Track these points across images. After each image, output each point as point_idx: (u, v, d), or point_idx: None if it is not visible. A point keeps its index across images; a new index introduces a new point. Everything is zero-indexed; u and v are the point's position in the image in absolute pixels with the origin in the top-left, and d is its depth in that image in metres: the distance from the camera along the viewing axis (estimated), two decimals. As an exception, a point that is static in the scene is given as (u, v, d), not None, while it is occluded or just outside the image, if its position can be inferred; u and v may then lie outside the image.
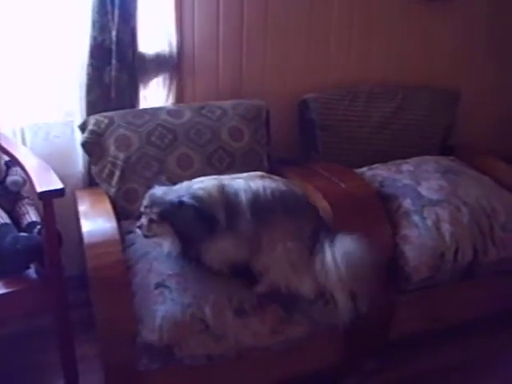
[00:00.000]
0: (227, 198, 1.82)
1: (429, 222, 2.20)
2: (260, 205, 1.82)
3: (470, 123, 2.96)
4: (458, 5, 2.84)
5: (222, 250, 1.83)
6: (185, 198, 1.78)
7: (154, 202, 1.81)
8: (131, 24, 2.25)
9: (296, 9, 2.60)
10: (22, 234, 1.95)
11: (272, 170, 2.37)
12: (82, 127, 2.27)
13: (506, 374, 2.28)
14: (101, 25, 2.20)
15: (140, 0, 2.26)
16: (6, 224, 1.98)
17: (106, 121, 2.24)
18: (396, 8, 2.76)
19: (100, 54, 2.25)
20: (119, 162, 2.20)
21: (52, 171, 1.95)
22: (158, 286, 1.83)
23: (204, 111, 2.36)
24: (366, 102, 2.69)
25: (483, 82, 3.02)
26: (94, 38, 2.22)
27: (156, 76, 2.43)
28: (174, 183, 2.11)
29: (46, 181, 1.87)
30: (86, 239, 1.86)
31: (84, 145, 2.25)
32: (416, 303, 2.24)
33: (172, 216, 1.79)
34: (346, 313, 1.80)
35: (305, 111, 2.67)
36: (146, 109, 2.39)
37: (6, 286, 1.83)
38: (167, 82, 2.45)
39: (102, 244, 1.86)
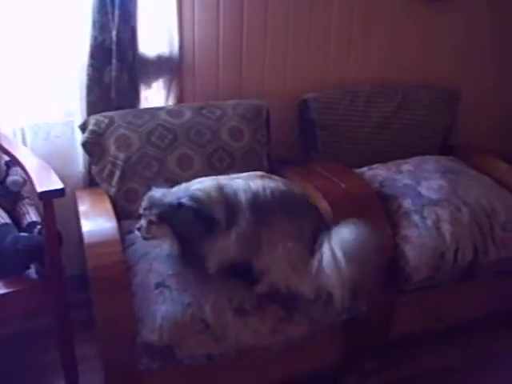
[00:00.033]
0: (226, 199, 1.82)
1: (429, 222, 2.20)
2: (260, 205, 1.81)
3: (470, 123, 2.96)
4: (458, 5, 2.84)
5: (221, 250, 1.83)
6: (183, 200, 1.78)
7: (152, 204, 1.81)
8: (131, 24, 2.26)
9: (296, 9, 2.60)
10: (23, 234, 1.95)
11: (272, 170, 2.37)
12: (83, 127, 2.27)
13: (506, 374, 2.28)
14: (101, 25, 2.21)
15: (140, 0, 2.26)
16: (6, 224, 1.98)
17: (107, 121, 2.24)
18: (396, 8, 2.77)
19: (100, 54, 2.25)
20: (119, 162, 2.20)
21: (52, 171, 1.95)
22: (158, 285, 1.83)
23: (204, 111, 2.36)
24: (366, 101, 2.69)
25: (483, 81, 3.02)
26: (95, 38, 2.22)
27: (156, 78, 2.43)
28: (175, 183, 2.12)
29: (46, 181, 1.87)
30: (87, 239, 1.86)
31: (84, 145, 2.25)
32: (416, 303, 2.24)
33: (171, 217, 1.79)
34: (344, 313, 1.80)
35: (305, 111, 2.67)
36: (146, 109, 2.39)
37: (7, 286, 1.83)
38: (167, 83, 2.45)
39: (102, 244, 1.86)
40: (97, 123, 2.24)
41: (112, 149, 2.21)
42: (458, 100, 2.89)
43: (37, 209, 2.13)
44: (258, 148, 2.39)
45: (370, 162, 2.58)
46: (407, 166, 2.49)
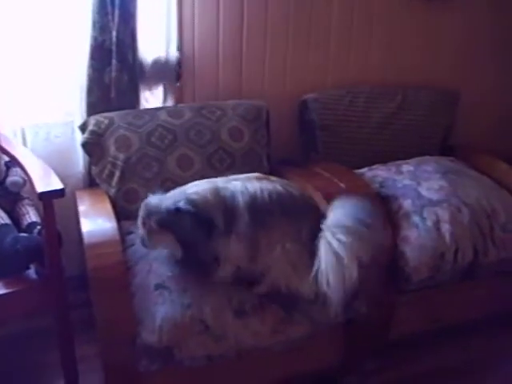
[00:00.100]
0: (224, 202, 1.82)
1: (429, 223, 2.20)
2: (257, 207, 1.81)
3: (470, 123, 2.96)
4: (458, 5, 2.84)
5: (222, 253, 1.84)
6: (180, 204, 1.78)
7: (150, 213, 1.81)
8: (131, 24, 2.25)
9: (296, 9, 2.60)
10: (22, 234, 1.95)
11: (272, 171, 2.38)
12: (83, 128, 2.27)
13: (506, 375, 2.28)
14: (101, 25, 2.20)
15: (140, 1, 2.26)
16: (6, 224, 1.98)
17: (106, 121, 2.24)
18: (396, 8, 2.76)
19: (100, 55, 2.25)
20: (119, 163, 2.20)
21: (52, 171, 1.95)
22: (158, 287, 1.83)
23: (204, 111, 2.36)
24: (366, 102, 2.69)
25: (483, 82, 3.02)
26: (95, 39, 2.22)
27: (155, 79, 2.43)
28: (175, 184, 2.13)
29: (46, 181, 1.87)
30: (86, 239, 1.86)
31: (84, 145, 2.25)
32: (416, 303, 2.24)
33: (171, 223, 1.79)
34: (343, 313, 1.79)
35: (305, 111, 2.67)
36: (146, 109, 2.40)
37: (6, 286, 1.83)
38: (166, 84, 2.45)
39: (102, 244, 1.86)
40: (97, 124, 2.24)
41: (112, 149, 2.21)
42: (458, 100, 2.89)
43: (37, 209, 2.12)
44: (258, 148, 2.39)
45: (370, 162, 2.58)
46: (407, 166, 2.49)
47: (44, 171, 1.96)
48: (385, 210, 2.23)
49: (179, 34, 2.43)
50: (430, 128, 2.78)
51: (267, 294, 1.84)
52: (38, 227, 1.99)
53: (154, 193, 1.89)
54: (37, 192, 1.80)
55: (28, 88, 2.32)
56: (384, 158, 2.60)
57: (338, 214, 1.85)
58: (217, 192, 1.84)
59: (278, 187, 1.88)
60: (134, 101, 2.38)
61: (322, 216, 1.91)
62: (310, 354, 2.02)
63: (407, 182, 2.37)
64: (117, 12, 2.20)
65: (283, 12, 2.59)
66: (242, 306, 1.82)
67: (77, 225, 2.04)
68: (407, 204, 2.26)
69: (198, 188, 1.87)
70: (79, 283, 2.08)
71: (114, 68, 2.26)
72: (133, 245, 2.02)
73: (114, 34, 2.22)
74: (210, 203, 1.81)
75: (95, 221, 1.99)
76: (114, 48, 2.24)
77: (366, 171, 2.51)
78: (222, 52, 2.56)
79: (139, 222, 1.84)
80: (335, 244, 1.78)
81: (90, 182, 2.38)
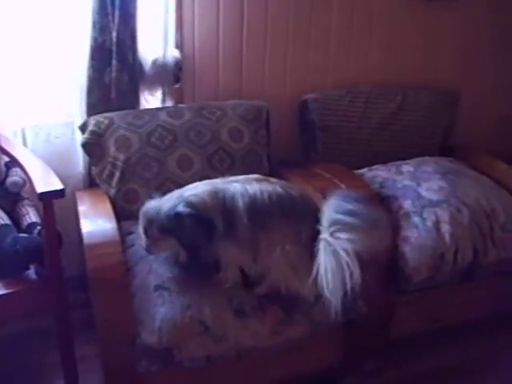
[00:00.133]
0: (223, 203, 1.82)
1: (429, 223, 2.20)
2: (257, 209, 1.81)
3: (470, 124, 2.96)
4: (458, 5, 2.83)
5: (222, 256, 1.84)
6: (179, 208, 1.78)
7: (150, 221, 1.81)
8: (131, 25, 2.25)
9: (296, 9, 2.60)
10: (22, 234, 1.95)
11: (272, 171, 2.38)
12: (83, 128, 2.27)
13: (506, 375, 2.28)
14: (101, 26, 2.20)
15: (140, 1, 2.26)
16: (6, 225, 1.98)
17: (106, 121, 2.24)
18: (396, 8, 2.76)
19: (100, 55, 2.24)
20: (119, 163, 2.20)
21: (52, 172, 1.95)
22: (158, 288, 1.83)
23: (204, 112, 2.35)
24: (366, 102, 2.69)
25: (483, 82, 3.02)
26: (95, 39, 2.22)
27: (155, 82, 2.43)
28: (175, 184, 2.13)
29: (46, 182, 1.87)
30: (86, 240, 1.86)
31: (84, 145, 2.25)
32: (416, 304, 2.24)
33: (172, 229, 1.79)
34: (341, 315, 1.79)
35: (305, 112, 2.67)
36: (146, 109, 2.39)
37: (6, 286, 1.83)
38: (165, 87, 2.45)
39: (102, 245, 1.86)
40: (97, 124, 2.23)
41: (112, 150, 2.21)
42: (458, 101, 2.89)
43: (37, 210, 2.12)
44: (258, 149, 2.39)
45: (369, 162, 2.58)
46: (407, 167, 2.49)
47: (44, 171, 1.97)
48: (385, 210, 2.23)
49: (180, 35, 2.43)
50: (429, 128, 2.78)
51: (267, 295, 1.85)
52: (38, 227, 1.99)
53: (152, 194, 1.90)
54: (37, 192, 1.81)
55: (28, 88, 2.31)
56: (384, 159, 2.61)
57: (330, 211, 1.85)
58: (215, 194, 1.83)
59: (278, 189, 1.88)
60: (134, 101, 2.38)
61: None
62: (309, 355, 2.02)
63: (407, 182, 2.37)
64: (117, 12, 2.19)
65: (283, 12, 2.59)
66: (242, 307, 1.82)
67: (77, 225, 2.03)
68: (407, 204, 2.26)
69: (195, 190, 1.87)
70: (79, 284, 2.09)
71: (114, 68, 2.26)
72: (133, 245, 2.02)
73: (114, 34, 2.22)
74: (208, 205, 1.81)
75: (95, 221, 1.98)
76: (114, 48, 2.24)
77: (365, 172, 2.51)
78: (222, 52, 2.56)
79: (141, 231, 1.84)
80: (333, 242, 1.78)
81: (90, 183, 2.38)
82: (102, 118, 2.25)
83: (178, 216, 1.77)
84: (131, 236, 2.06)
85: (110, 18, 2.20)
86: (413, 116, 2.74)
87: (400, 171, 2.47)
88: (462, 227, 2.21)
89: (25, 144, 2.36)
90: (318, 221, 1.87)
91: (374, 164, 2.57)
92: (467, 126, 2.94)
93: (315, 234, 1.84)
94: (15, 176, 2.17)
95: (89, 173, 2.36)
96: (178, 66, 2.42)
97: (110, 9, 2.19)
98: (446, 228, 2.19)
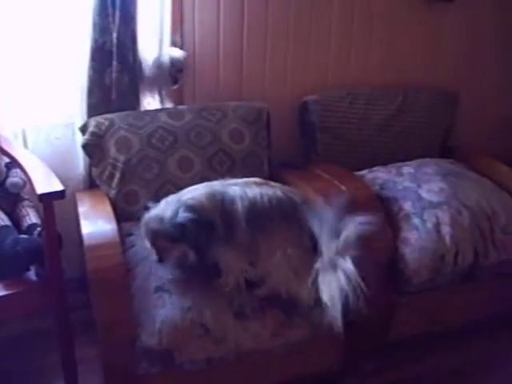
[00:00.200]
0: (222, 206, 1.82)
1: (429, 225, 2.20)
2: (257, 212, 1.81)
3: (471, 125, 2.96)
4: (459, 6, 2.83)
5: (221, 259, 1.84)
6: (180, 215, 1.77)
7: (156, 233, 1.81)
8: (132, 26, 2.25)
9: (296, 10, 2.60)
10: (23, 236, 1.95)
11: (272, 173, 2.38)
12: (83, 129, 2.26)
13: (507, 376, 2.28)
14: (102, 27, 2.20)
15: (140, 3, 2.26)
16: (6, 226, 1.98)
17: (107, 123, 2.24)
18: (396, 9, 2.76)
19: (101, 56, 2.24)
20: (120, 164, 2.20)
21: (52, 173, 1.95)
22: (158, 289, 1.83)
23: (204, 113, 2.35)
24: (367, 104, 2.68)
25: (484, 83, 3.02)
26: (95, 40, 2.22)
27: (153, 83, 2.43)
28: (175, 185, 2.13)
29: (46, 183, 1.87)
30: (86, 241, 1.86)
31: (84, 147, 2.25)
32: (416, 305, 2.24)
33: (180, 236, 1.78)
34: (339, 320, 1.79)
35: (305, 113, 2.67)
36: (146, 111, 2.39)
37: (7, 287, 1.83)
38: (163, 88, 2.44)
39: (102, 246, 1.85)
40: (97, 125, 2.23)
41: (112, 151, 2.21)
42: (458, 102, 2.89)
43: (37, 211, 2.12)
44: (258, 151, 2.39)
45: (370, 164, 2.58)
46: (407, 168, 2.49)
47: (44, 173, 1.97)
48: (385, 211, 2.23)
49: (180, 36, 2.43)
50: (430, 130, 2.78)
51: (267, 298, 1.84)
52: (38, 229, 1.99)
53: (147, 203, 1.90)
54: (37, 193, 1.80)
55: (29, 89, 2.32)
56: (384, 160, 2.60)
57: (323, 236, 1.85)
58: (213, 196, 1.83)
59: (279, 193, 1.88)
60: (135, 102, 2.38)
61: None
62: (309, 357, 2.02)
63: (407, 184, 2.37)
64: (117, 14, 2.19)
65: (284, 13, 2.59)
66: (243, 309, 1.82)
67: (77, 226, 2.03)
68: (407, 206, 2.26)
69: (193, 193, 1.87)
70: (79, 285, 2.08)
71: (114, 69, 2.26)
72: (133, 246, 2.02)
73: (115, 35, 2.22)
74: (206, 207, 1.81)
75: (95, 222, 1.98)
76: (114, 49, 2.24)
77: (366, 173, 2.51)
78: (222, 53, 2.56)
79: (148, 244, 1.84)
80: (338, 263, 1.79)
81: (91, 184, 2.38)
82: (102, 119, 2.25)
83: (181, 224, 1.76)
84: (131, 237, 2.06)
85: (111, 19, 2.20)
86: (413, 117, 2.74)
87: (400, 173, 2.46)
88: (463, 229, 2.21)
89: (25, 145, 2.37)
90: (318, 225, 1.88)
91: (374, 165, 2.57)
92: (468, 128, 2.94)
93: (316, 238, 1.85)
94: (15, 177, 2.16)
95: (89, 174, 2.36)
96: (177, 66, 2.42)
97: (110, 10, 2.19)
98: (446, 230, 2.19)
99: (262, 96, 2.61)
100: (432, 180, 2.38)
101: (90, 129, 2.24)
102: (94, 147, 2.23)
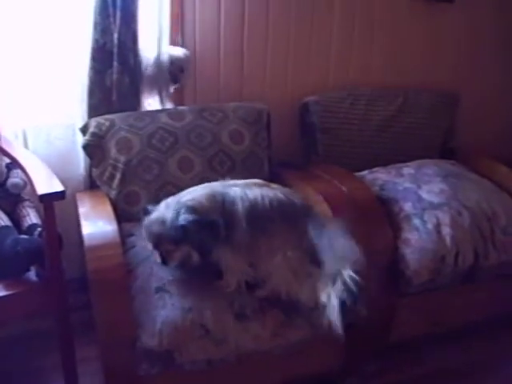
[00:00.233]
0: (223, 206, 1.82)
1: (429, 226, 2.20)
2: (258, 213, 1.81)
3: (471, 126, 2.96)
4: (459, 7, 2.84)
5: (222, 261, 1.84)
6: (181, 217, 1.77)
7: (159, 236, 1.81)
8: (133, 26, 2.25)
9: (297, 12, 2.60)
10: (23, 236, 1.94)
11: (273, 174, 2.38)
12: (84, 130, 2.26)
13: (507, 377, 2.28)
14: (102, 27, 2.20)
15: (141, 4, 2.26)
16: (6, 226, 1.97)
17: (107, 123, 2.24)
18: (397, 10, 2.77)
19: (101, 57, 2.24)
20: (120, 165, 2.20)
21: (53, 173, 1.95)
22: (159, 290, 1.83)
23: (205, 114, 2.35)
24: (367, 105, 2.69)
25: (484, 85, 3.02)
26: (96, 41, 2.22)
27: (152, 84, 2.43)
28: (175, 186, 2.12)
29: (46, 183, 1.87)
30: (87, 242, 1.86)
31: (85, 147, 2.25)
32: (417, 306, 2.24)
33: (184, 237, 1.78)
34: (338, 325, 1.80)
35: (305, 114, 2.67)
36: (147, 111, 2.39)
37: (7, 288, 1.83)
38: (162, 89, 2.44)
39: (102, 247, 1.85)
40: (98, 126, 2.23)
41: (113, 151, 2.21)
42: (459, 103, 2.89)
43: (37, 211, 2.12)
44: (258, 151, 2.39)
45: (370, 165, 2.59)
46: (408, 169, 2.49)
47: (45, 173, 1.97)
48: (385, 212, 2.23)
49: (181, 36, 2.43)
50: (430, 131, 2.78)
51: (267, 299, 1.84)
52: (39, 229, 1.99)
53: (146, 207, 1.89)
54: (37, 194, 1.80)
55: (29, 90, 2.32)
56: (385, 161, 2.61)
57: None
58: (213, 197, 1.83)
59: (279, 194, 1.88)
60: (135, 103, 2.38)
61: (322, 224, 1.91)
62: (310, 358, 2.02)
63: (408, 184, 2.37)
64: (118, 14, 2.19)
65: (285, 13, 2.59)
66: (243, 310, 1.82)
67: (77, 227, 2.03)
68: (408, 207, 2.26)
69: (192, 194, 1.87)
70: (79, 285, 2.08)
71: (115, 70, 2.26)
72: (133, 247, 2.02)
73: (116, 36, 2.22)
74: (206, 208, 1.81)
75: (96, 223, 1.98)
76: (115, 50, 2.24)
77: (366, 174, 2.51)
78: (223, 53, 2.56)
79: (150, 247, 1.84)
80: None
81: (91, 184, 2.38)
82: (102, 119, 2.25)
83: (183, 226, 1.76)
84: (132, 238, 2.06)
85: (112, 19, 2.20)
86: (413, 118, 2.74)
87: (401, 173, 2.46)
88: (463, 230, 2.21)
89: (26, 145, 2.37)
90: (319, 228, 1.88)
91: (374, 166, 2.57)
92: (468, 129, 2.95)
93: (316, 241, 1.85)
94: (16, 177, 2.16)
95: (89, 174, 2.36)
96: (178, 65, 2.41)
97: (111, 10, 2.19)
98: (446, 231, 2.19)
99: (262, 96, 2.61)
100: (432, 181, 2.38)
101: (91, 129, 2.24)
102: (94, 148, 2.23)
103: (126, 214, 2.18)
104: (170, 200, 1.88)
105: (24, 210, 2.13)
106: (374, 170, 2.54)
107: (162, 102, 2.45)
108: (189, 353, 1.76)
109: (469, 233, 2.21)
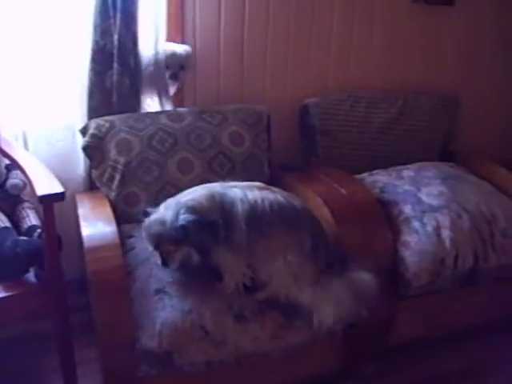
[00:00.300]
0: (222, 207, 1.81)
1: (429, 228, 2.20)
2: (257, 216, 1.81)
3: (471, 129, 2.96)
4: (460, 10, 2.84)
5: (221, 261, 1.84)
6: (181, 217, 1.77)
7: (159, 237, 1.81)
8: (132, 28, 2.25)
9: (297, 14, 2.60)
10: (22, 237, 1.94)
11: (272, 176, 2.38)
12: (83, 131, 2.27)
13: (506, 380, 2.28)
14: (103, 29, 2.20)
15: (141, 5, 2.26)
16: (6, 228, 1.97)
17: (107, 125, 2.24)
18: (397, 13, 2.77)
19: (102, 59, 2.24)
20: (120, 166, 2.20)
21: (52, 175, 1.95)
22: (158, 292, 1.83)
23: (205, 116, 2.35)
24: (367, 107, 2.69)
25: (485, 87, 3.02)
26: (96, 42, 2.22)
27: (150, 86, 2.43)
28: (175, 187, 2.12)
29: (46, 184, 1.87)
30: (86, 243, 1.86)
31: (85, 149, 2.25)
32: (416, 309, 2.24)
33: (184, 237, 1.78)
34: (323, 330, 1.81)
35: (305, 116, 2.67)
36: (147, 113, 2.39)
37: (6, 289, 1.83)
38: (161, 92, 2.44)
39: (101, 248, 1.85)
40: (97, 127, 2.23)
41: (112, 153, 2.21)
42: (459, 105, 2.89)
43: (37, 212, 2.12)
44: (258, 153, 2.39)
45: (370, 167, 2.59)
46: (408, 171, 2.50)
47: (44, 174, 1.96)
48: (385, 215, 2.23)
49: (181, 35, 2.43)
50: (430, 134, 2.78)
51: (267, 301, 1.84)
52: (38, 230, 1.99)
53: (146, 209, 1.89)
54: (37, 195, 1.80)
55: (29, 91, 2.32)
56: (385, 163, 2.61)
57: None
58: (212, 198, 1.83)
59: (280, 198, 1.87)
60: (135, 104, 2.38)
61: (322, 228, 1.92)
62: (309, 360, 2.02)
63: (407, 187, 2.37)
64: (118, 16, 2.20)
65: (284, 16, 2.60)
66: (242, 312, 1.82)
67: (77, 228, 2.03)
68: (407, 209, 2.26)
69: (192, 195, 1.87)
70: (79, 287, 2.08)
71: (115, 72, 2.26)
72: (133, 249, 2.02)
73: (116, 37, 2.22)
74: (206, 208, 1.81)
75: (95, 224, 1.98)
76: (115, 52, 2.24)
77: (366, 176, 2.51)
78: (223, 55, 2.56)
79: (150, 248, 1.84)
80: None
81: (91, 186, 2.38)
82: (102, 121, 2.25)
83: (183, 226, 1.76)
84: (131, 239, 2.06)
85: (112, 21, 2.20)
86: (414, 121, 2.74)
87: (400, 176, 2.47)
88: (463, 233, 2.21)
89: (26, 147, 2.37)
90: (319, 232, 1.88)
91: (374, 169, 2.57)
92: (468, 131, 2.94)
93: (316, 245, 1.85)
94: (16, 178, 2.16)
95: (89, 176, 2.36)
96: (178, 63, 2.40)
97: (111, 12, 2.19)
98: (446, 233, 2.19)
99: (262, 98, 2.61)
100: (432, 183, 2.38)
101: (91, 131, 2.24)
102: (94, 149, 2.23)
103: (125, 216, 2.18)
104: (169, 201, 1.88)
105: (23, 212, 2.13)
106: (374, 172, 2.54)
107: (161, 103, 2.45)
108: (188, 354, 1.76)
109: (468, 235, 2.21)
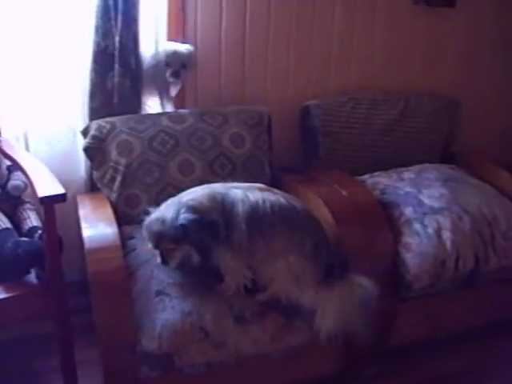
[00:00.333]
0: (223, 207, 1.82)
1: (430, 230, 2.20)
2: (258, 217, 1.81)
3: (472, 131, 2.96)
4: (460, 12, 2.84)
5: (221, 262, 1.84)
6: (182, 216, 1.78)
7: (159, 235, 1.81)
8: (134, 30, 2.25)
9: (298, 15, 2.61)
10: (23, 238, 1.94)
11: (273, 177, 2.38)
12: (84, 132, 2.27)
13: (507, 382, 2.28)
14: (104, 30, 2.21)
15: (142, 6, 2.26)
16: (7, 229, 1.98)
17: (108, 126, 2.24)
18: (398, 15, 2.77)
19: (103, 60, 2.25)
20: (121, 168, 2.20)
21: (54, 176, 1.95)
22: (159, 293, 1.83)
23: (206, 117, 2.35)
24: (368, 109, 2.69)
25: (485, 89, 3.02)
26: (97, 44, 2.23)
27: (151, 87, 2.43)
28: (176, 189, 2.12)
29: (47, 186, 1.87)
30: (87, 244, 1.86)
31: (86, 150, 2.25)
32: (417, 311, 2.24)
33: (184, 236, 1.78)
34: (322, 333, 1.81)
35: (307, 118, 2.67)
36: (148, 114, 2.40)
37: (7, 290, 1.83)
38: (163, 93, 2.44)
39: (102, 249, 1.86)
40: (98, 128, 2.23)
41: (113, 154, 2.21)
42: (460, 107, 2.89)
43: (38, 214, 2.12)
44: (259, 155, 2.39)
45: (371, 169, 2.59)
46: (408, 173, 2.50)
47: (45, 176, 1.96)
48: (386, 217, 2.23)
49: (183, 35, 2.43)
50: (431, 135, 2.78)
51: (267, 303, 1.84)
52: (39, 232, 1.99)
53: (146, 208, 1.90)
54: (38, 196, 1.80)
55: (31, 93, 2.32)
56: (386, 165, 2.61)
57: None
58: (213, 198, 1.83)
59: (281, 199, 1.87)
60: (137, 106, 2.38)
61: (323, 230, 1.91)
62: (310, 361, 2.02)
63: (408, 189, 2.37)
64: (120, 17, 2.20)
65: (285, 18, 2.60)
66: (243, 313, 1.82)
67: (78, 229, 2.03)
68: (408, 211, 2.26)
69: (193, 195, 1.87)
70: (80, 288, 2.08)
71: (116, 73, 2.26)
72: (134, 250, 2.02)
73: (117, 39, 2.22)
74: (206, 207, 1.81)
75: (96, 226, 1.98)
76: (116, 53, 2.24)
77: (367, 178, 2.51)
78: (224, 57, 2.56)
79: (150, 247, 1.84)
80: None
81: (92, 187, 2.38)
82: (103, 122, 2.25)
83: (183, 225, 1.76)
84: (132, 241, 2.06)
85: (113, 22, 2.21)
86: (415, 122, 2.74)
87: (401, 178, 2.47)
88: (464, 234, 2.21)
89: (27, 148, 2.37)
90: (320, 234, 1.88)
91: (375, 170, 2.57)
92: (469, 133, 2.94)
93: (318, 247, 1.85)
94: (17, 180, 2.16)
95: (90, 177, 2.36)
96: (180, 61, 2.40)
97: (112, 13, 2.19)
98: (447, 235, 2.19)
99: (263, 99, 2.61)
100: (433, 185, 2.38)
101: (92, 132, 2.24)
102: (95, 150, 2.24)
103: (126, 217, 2.18)
104: (170, 201, 1.89)
105: (24, 213, 2.13)
106: (375, 174, 2.54)
107: (162, 104, 2.45)
108: (188, 356, 1.76)
109: (469, 237, 2.21)
